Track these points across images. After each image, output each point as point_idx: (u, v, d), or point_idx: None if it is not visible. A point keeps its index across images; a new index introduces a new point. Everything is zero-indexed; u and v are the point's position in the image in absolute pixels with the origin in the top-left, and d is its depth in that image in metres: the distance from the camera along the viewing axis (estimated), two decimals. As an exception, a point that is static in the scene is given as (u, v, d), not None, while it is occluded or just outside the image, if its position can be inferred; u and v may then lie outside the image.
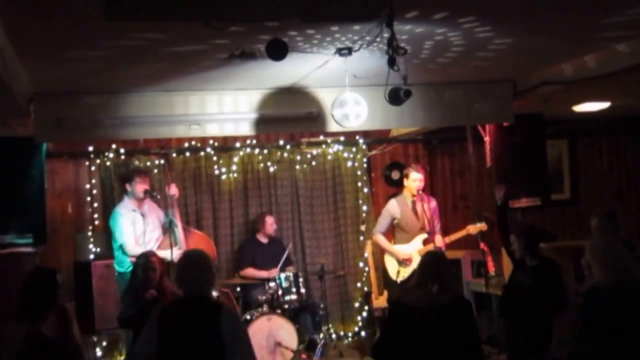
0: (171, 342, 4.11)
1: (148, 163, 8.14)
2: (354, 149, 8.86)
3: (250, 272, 7.85)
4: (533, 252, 5.67)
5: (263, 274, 7.73)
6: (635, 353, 3.95)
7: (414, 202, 7.33)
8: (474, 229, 7.34)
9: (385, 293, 8.44)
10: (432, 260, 4.51)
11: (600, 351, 3.98)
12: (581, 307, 4.19)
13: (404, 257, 7.22)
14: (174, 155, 8.20)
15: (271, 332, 7.06)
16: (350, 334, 8.74)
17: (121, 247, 6.76)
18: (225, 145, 8.45)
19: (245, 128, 6.43)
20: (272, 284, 7.44)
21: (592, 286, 4.17)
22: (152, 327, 4.21)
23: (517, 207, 7.64)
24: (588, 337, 4.06)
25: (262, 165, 8.57)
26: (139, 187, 6.90)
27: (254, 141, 8.51)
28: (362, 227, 8.76)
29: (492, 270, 7.61)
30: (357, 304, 8.77)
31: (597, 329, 4.01)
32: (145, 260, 5.77)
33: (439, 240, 7.18)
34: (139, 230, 6.88)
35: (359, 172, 8.86)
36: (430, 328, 4.15)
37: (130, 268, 6.73)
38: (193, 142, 8.31)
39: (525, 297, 5.59)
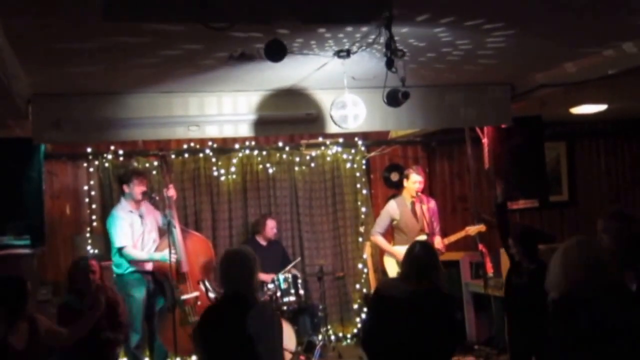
0: (211, 343, 4.15)
1: (147, 164, 8.15)
2: (353, 151, 8.86)
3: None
4: (532, 256, 5.65)
5: (262, 277, 7.72)
6: None
7: (413, 204, 7.35)
8: (472, 230, 7.37)
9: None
10: (420, 253, 4.42)
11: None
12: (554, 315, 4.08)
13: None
14: (173, 156, 8.21)
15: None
16: (349, 336, 8.74)
17: (119, 251, 6.75)
18: (224, 147, 8.46)
19: (244, 130, 6.42)
20: (270, 286, 7.45)
21: (562, 293, 4.08)
22: (198, 344, 4.26)
23: (515, 209, 7.65)
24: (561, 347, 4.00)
25: (261, 166, 8.57)
26: (137, 189, 6.89)
27: (253, 143, 8.51)
28: (361, 229, 8.78)
29: (490, 272, 7.62)
30: (356, 306, 8.77)
31: (570, 338, 3.93)
32: (85, 264, 5.87)
33: (438, 242, 7.19)
34: (137, 232, 6.87)
35: (358, 174, 8.87)
36: (412, 320, 4.13)
37: (129, 270, 6.75)
38: (192, 144, 8.32)
39: (521, 300, 5.59)
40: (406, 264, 4.45)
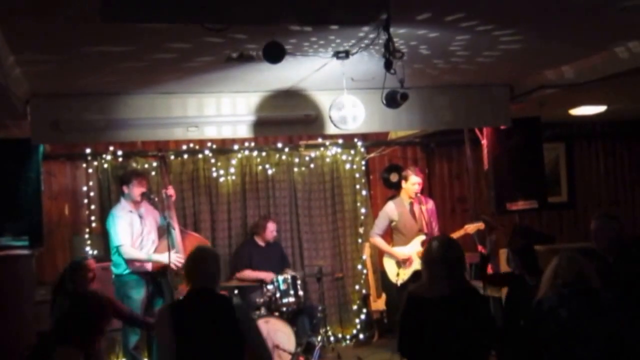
0: (189, 335, 4.12)
1: (146, 165, 8.14)
2: (352, 152, 8.86)
3: (247, 273, 7.84)
4: (532, 269, 5.50)
5: (260, 275, 7.72)
6: None
7: (411, 204, 7.34)
8: (471, 228, 7.36)
9: (384, 296, 8.46)
10: (444, 247, 4.21)
11: None
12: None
13: (404, 257, 7.22)
14: (172, 157, 8.20)
15: (269, 334, 7.04)
16: (348, 337, 8.74)
17: (117, 249, 6.74)
18: (223, 148, 8.45)
19: (243, 131, 6.43)
20: (269, 287, 7.44)
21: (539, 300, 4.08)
22: (165, 325, 4.19)
23: (514, 210, 7.65)
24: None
25: (260, 167, 8.57)
26: (137, 189, 6.87)
27: (252, 144, 8.51)
28: (361, 230, 8.77)
29: (490, 273, 7.60)
30: (355, 307, 8.77)
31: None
32: (84, 263, 5.90)
33: None
34: (137, 232, 6.86)
35: (357, 175, 8.86)
36: (447, 318, 4.02)
37: (128, 271, 6.74)
38: (191, 145, 8.31)
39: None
40: (436, 263, 4.15)
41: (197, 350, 4.11)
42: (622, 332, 3.96)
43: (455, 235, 7.44)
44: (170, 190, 7.01)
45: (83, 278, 5.81)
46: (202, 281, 4.30)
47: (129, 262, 6.73)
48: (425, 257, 4.29)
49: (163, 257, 6.61)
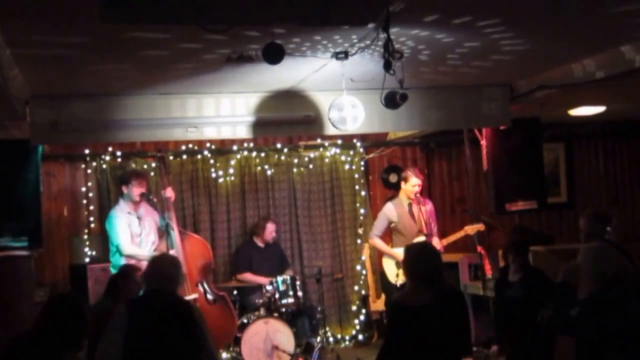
0: (142, 335, 4.20)
1: (145, 166, 8.14)
2: (351, 152, 8.86)
3: (248, 277, 7.84)
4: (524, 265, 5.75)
5: (261, 280, 7.71)
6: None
7: (410, 205, 7.33)
8: (471, 229, 7.38)
9: (383, 296, 8.45)
10: (423, 255, 4.30)
11: None
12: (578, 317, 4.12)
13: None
14: (171, 158, 8.20)
15: (268, 335, 7.05)
16: (347, 338, 8.73)
17: (117, 247, 6.74)
18: (223, 148, 8.45)
19: (242, 131, 6.43)
20: (269, 287, 7.44)
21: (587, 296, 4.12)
22: (118, 323, 4.26)
23: (514, 210, 7.66)
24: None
25: (259, 168, 8.57)
26: (136, 190, 6.87)
27: (252, 144, 8.51)
28: (360, 230, 8.77)
29: (489, 273, 7.63)
30: (354, 307, 8.76)
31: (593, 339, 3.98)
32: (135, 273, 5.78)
33: (437, 243, 7.17)
34: (135, 233, 6.86)
35: (356, 175, 8.86)
36: (430, 326, 4.08)
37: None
38: (190, 145, 8.31)
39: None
40: (416, 269, 4.24)
41: (145, 346, 4.20)
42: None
43: (455, 236, 7.46)
44: (169, 192, 7.00)
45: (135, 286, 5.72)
46: (156, 282, 4.46)
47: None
48: (405, 266, 4.36)
49: None
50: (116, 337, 4.23)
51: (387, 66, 4.28)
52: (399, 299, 4.30)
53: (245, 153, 8.51)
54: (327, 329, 8.12)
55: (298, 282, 7.64)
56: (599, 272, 4.10)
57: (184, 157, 8.33)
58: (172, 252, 6.66)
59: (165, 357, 4.23)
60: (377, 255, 8.17)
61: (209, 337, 4.50)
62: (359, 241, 8.76)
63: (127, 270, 5.69)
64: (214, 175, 8.40)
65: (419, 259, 4.26)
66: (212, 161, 8.41)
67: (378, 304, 8.48)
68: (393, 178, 8.99)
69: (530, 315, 5.06)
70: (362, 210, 8.83)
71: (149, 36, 4.26)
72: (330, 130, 6.20)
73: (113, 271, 6.80)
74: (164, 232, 6.91)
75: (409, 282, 4.29)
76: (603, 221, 5.64)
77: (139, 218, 6.91)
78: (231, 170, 8.45)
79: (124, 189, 6.95)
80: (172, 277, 4.49)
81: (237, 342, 7.13)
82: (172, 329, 4.24)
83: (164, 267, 4.55)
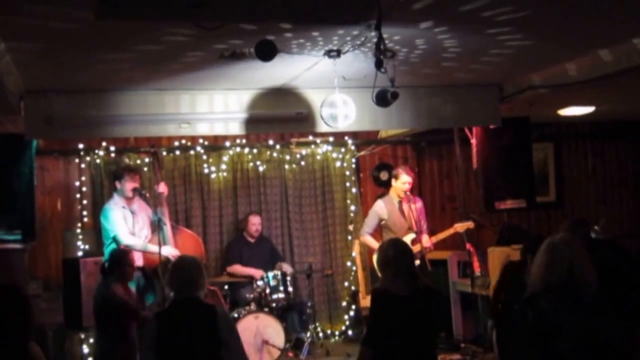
0: (171, 344, 4.21)
1: (138, 161, 8.18)
2: (342, 150, 8.93)
3: (238, 269, 7.91)
4: None
5: (250, 271, 7.79)
6: None
7: (400, 203, 7.40)
8: (461, 227, 7.43)
9: (373, 292, 8.51)
10: (400, 249, 4.43)
11: None
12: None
13: None
14: (164, 153, 8.24)
15: (258, 330, 7.11)
16: (337, 333, 8.80)
17: (114, 238, 6.77)
18: (215, 145, 8.50)
19: (235, 127, 6.48)
20: (260, 283, 7.50)
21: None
22: (150, 333, 4.30)
23: (503, 209, 7.72)
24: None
25: (251, 164, 8.63)
26: (129, 185, 6.91)
27: (244, 141, 8.56)
28: (350, 227, 8.84)
29: (477, 271, 7.69)
30: (344, 303, 8.83)
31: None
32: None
33: (426, 240, 7.24)
34: (129, 227, 6.90)
35: (347, 173, 8.94)
36: (413, 314, 4.20)
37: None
38: (183, 141, 8.36)
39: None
40: (393, 263, 4.35)
41: (177, 358, 4.21)
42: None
43: (445, 234, 7.52)
44: (162, 187, 7.05)
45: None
46: (185, 290, 4.40)
47: None
48: (380, 260, 4.45)
49: (155, 248, 6.65)
50: (150, 347, 4.27)
51: (379, 64, 4.34)
52: (383, 287, 4.36)
53: (238, 149, 8.57)
54: (317, 324, 8.19)
55: (289, 278, 7.71)
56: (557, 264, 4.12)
57: (177, 152, 8.38)
58: (164, 247, 6.71)
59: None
60: (368, 252, 8.24)
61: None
62: (349, 238, 8.83)
63: (120, 255, 5.82)
64: (206, 171, 8.46)
65: (404, 252, 4.39)
66: (204, 157, 8.46)
67: (368, 300, 8.51)
68: (384, 176, 9.06)
69: None
70: (352, 207, 8.90)
71: (143, 32, 4.31)
72: (322, 128, 6.26)
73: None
74: (156, 227, 6.95)
75: (391, 274, 4.33)
76: (582, 227, 5.62)
77: (132, 213, 6.96)
78: (223, 166, 8.51)
79: (117, 184, 6.99)
80: (196, 281, 4.40)
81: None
82: (199, 337, 4.26)
83: (185, 271, 4.46)
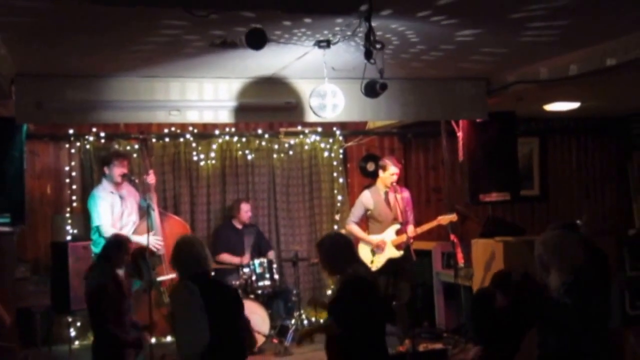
0: (217, 314, 4.43)
1: (128, 147, 8.22)
2: (330, 140, 9.00)
3: (226, 258, 7.98)
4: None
5: (236, 260, 7.87)
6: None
7: (386, 193, 7.45)
8: (444, 219, 7.47)
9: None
10: (346, 239, 4.91)
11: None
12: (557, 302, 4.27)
13: (378, 241, 7.34)
14: (154, 140, 8.29)
15: (244, 316, 7.17)
16: (321, 320, 8.86)
17: (97, 229, 6.82)
18: (205, 132, 8.55)
19: (224, 116, 6.52)
20: (246, 270, 7.57)
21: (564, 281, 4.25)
22: (197, 307, 4.42)
23: (487, 201, 7.80)
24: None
25: (240, 153, 8.69)
26: (117, 170, 6.93)
27: (233, 129, 8.62)
28: (337, 217, 8.93)
29: (461, 262, 7.73)
30: (329, 292, 8.90)
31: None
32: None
33: (411, 231, 7.30)
34: (117, 212, 6.93)
35: (335, 163, 9.02)
36: (378, 296, 4.61)
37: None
38: (173, 128, 8.40)
39: None
40: (346, 252, 4.79)
41: (219, 325, 4.42)
42: None
43: (429, 225, 7.56)
44: (151, 177, 7.08)
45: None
46: (199, 266, 4.57)
47: None
48: (334, 249, 4.85)
49: (142, 239, 6.69)
50: (199, 314, 4.41)
51: (368, 55, 4.41)
52: (355, 272, 4.67)
53: (227, 138, 8.63)
54: (302, 311, 8.26)
55: (275, 266, 7.79)
56: (568, 260, 4.22)
57: (167, 140, 8.43)
58: (152, 233, 6.76)
59: (230, 333, 4.50)
60: (354, 241, 8.29)
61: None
62: (335, 227, 8.89)
63: (122, 241, 5.84)
64: (195, 158, 8.52)
65: (341, 242, 4.84)
66: (194, 145, 8.52)
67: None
68: (371, 167, 9.15)
69: None
70: (339, 197, 8.98)
71: (134, 19, 4.36)
72: (310, 118, 6.32)
73: (94, 249, 6.89)
74: (145, 213, 7.00)
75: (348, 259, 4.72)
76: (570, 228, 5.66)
77: (121, 198, 6.99)
78: (212, 154, 8.57)
79: (106, 170, 7.00)
80: (207, 256, 4.63)
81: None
82: (232, 308, 4.59)
83: (195, 249, 4.62)
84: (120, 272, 5.88)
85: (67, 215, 8.10)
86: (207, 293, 4.44)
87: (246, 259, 7.77)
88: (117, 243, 5.77)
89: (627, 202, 10.09)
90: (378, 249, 7.34)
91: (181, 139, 8.47)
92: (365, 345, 4.52)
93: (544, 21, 4.74)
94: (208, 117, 6.56)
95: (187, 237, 5.15)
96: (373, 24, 4.24)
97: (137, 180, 7.28)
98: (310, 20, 4.51)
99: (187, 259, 4.59)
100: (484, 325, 5.13)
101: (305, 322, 8.45)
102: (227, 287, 5.05)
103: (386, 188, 7.44)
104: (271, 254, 8.12)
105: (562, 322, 4.16)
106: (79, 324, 7.81)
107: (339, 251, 4.74)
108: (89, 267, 5.95)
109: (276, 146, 8.83)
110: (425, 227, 7.53)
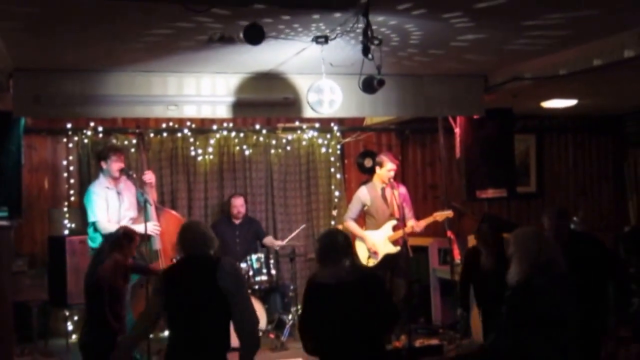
0: (175, 299, 4.32)
1: (125, 142, 8.22)
2: (328, 136, 9.02)
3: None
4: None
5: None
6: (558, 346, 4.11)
7: (383, 189, 7.46)
8: (440, 215, 7.48)
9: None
10: (331, 239, 4.47)
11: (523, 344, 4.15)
12: (509, 299, 4.27)
13: (371, 248, 7.34)
14: (152, 135, 8.29)
15: (241, 311, 7.18)
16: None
17: (94, 224, 6.81)
18: (202, 128, 8.56)
19: (222, 111, 6.53)
20: (243, 265, 7.58)
21: (519, 280, 4.24)
22: (158, 288, 4.45)
23: (484, 198, 7.82)
24: (512, 330, 4.23)
25: (237, 148, 8.70)
26: (114, 165, 6.90)
27: (231, 124, 8.62)
28: (334, 212, 8.94)
29: (457, 258, 7.77)
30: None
31: (522, 322, 4.15)
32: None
33: (416, 224, 7.27)
34: (113, 208, 6.89)
35: (332, 159, 9.03)
36: (342, 303, 4.19)
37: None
38: (170, 123, 8.41)
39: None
40: (327, 251, 4.40)
41: (182, 310, 4.30)
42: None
43: (424, 222, 7.59)
44: (148, 176, 7.06)
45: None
46: (188, 248, 4.49)
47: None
48: (320, 247, 4.51)
49: (139, 227, 6.68)
50: (152, 302, 4.45)
51: (366, 51, 4.42)
52: (314, 277, 4.43)
53: (225, 133, 8.63)
54: (299, 306, 8.26)
55: (272, 261, 7.80)
56: (532, 257, 4.22)
57: (164, 134, 8.43)
58: (148, 223, 6.76)
59: (196, 311, 4.30)
60: (351, 238, 8.30)
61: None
62: (332, 223, 8.91)
63: (131, 233, 5.83)
64: (193, 153, 8.52)
65: (332, 243, 4.40)
66: (191, 140, 8.52)
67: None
68: (368, 163, 9.16)
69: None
70: (336, 193, 9.00)
71: (132, 12, 4.36)
72: (308, 113, 6.33)
73: (91, 244, 6.88)
74: (142, 208, 7.00)
75: (320, 265, 4.43)
76: (566, 217, 5.70)
77: (118, 193, 6.98)
78: (210, 150, 8.58)
79: (103, 165, 6.96)
80: (212, 237, 4.55)
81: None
82: (201, 288, 4.31)
83: (201, 231, 4.56)
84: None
85: (65, 209, 8.10)
86: (173, 277, 4.44)
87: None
88: (128, 235, 5.76)
89: (623, 200, 10.13)
90: (374, 255, 7.33)
91: (179, 134, 8.47)
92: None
93: (542, 21, 4.76)
94: (206, 112, 6.57)
95: (192, 220, 5.12)
96: (371, 19, 4.25)
97: (134, 175, 7.27)
98: (300, 20, 4.52)
99: (195, 240, 4.52)
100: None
101: (302, 317, 8.47)
102: (205, 264, 4.70)
103: (383, 184, 7.45)
104: (268, 240, 8.15)
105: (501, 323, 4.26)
106: (75, 318, 7.81)
107: (323, 250, 4.47)
108: (95, 252, 6.00)
109: (274, 142, 8.84)
110: (422, 222, 7.54)
